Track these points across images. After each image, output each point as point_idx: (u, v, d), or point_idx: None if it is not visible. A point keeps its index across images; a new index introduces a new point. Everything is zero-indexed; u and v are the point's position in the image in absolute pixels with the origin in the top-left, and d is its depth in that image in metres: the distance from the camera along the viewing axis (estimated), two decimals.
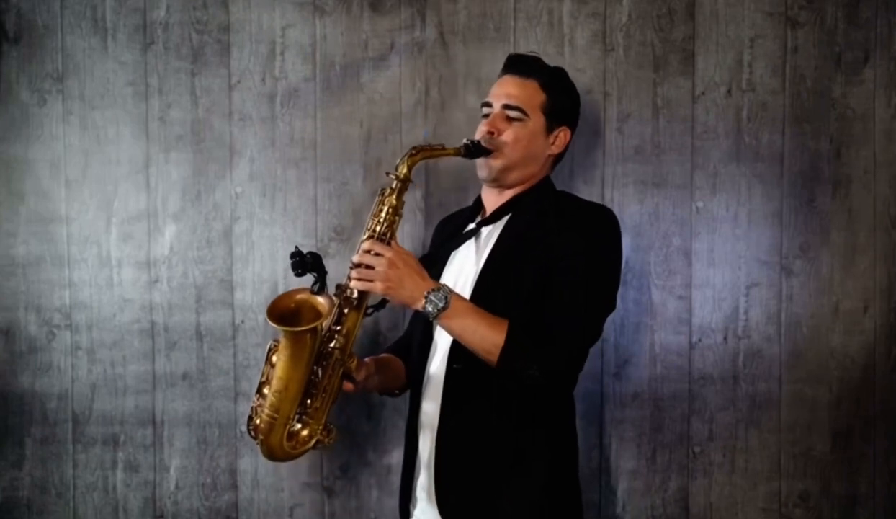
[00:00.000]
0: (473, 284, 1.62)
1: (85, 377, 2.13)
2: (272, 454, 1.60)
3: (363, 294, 1.56)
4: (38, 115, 2.11)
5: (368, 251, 1.50)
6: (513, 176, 1.67)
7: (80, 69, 2.11)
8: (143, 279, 2.12)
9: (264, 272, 2.11)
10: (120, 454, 2.14)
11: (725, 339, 2.05)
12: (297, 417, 1.58)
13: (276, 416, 1.56)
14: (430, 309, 1.48)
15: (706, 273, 2.05)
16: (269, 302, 1.56)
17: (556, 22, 2.05)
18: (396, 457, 2.09)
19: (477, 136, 1.65)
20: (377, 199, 1.58)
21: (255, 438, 1.62)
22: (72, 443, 2.15)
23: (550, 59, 2.03)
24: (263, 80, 2.09)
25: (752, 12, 2.02)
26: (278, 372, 1.56)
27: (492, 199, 1.71)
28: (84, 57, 2.11)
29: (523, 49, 2.03)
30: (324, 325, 1.53)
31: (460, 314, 1.50)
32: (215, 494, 2.14)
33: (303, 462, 2.11)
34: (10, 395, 2.14)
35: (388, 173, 1.59)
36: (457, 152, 1.61)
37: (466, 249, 1.71)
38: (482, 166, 1.66)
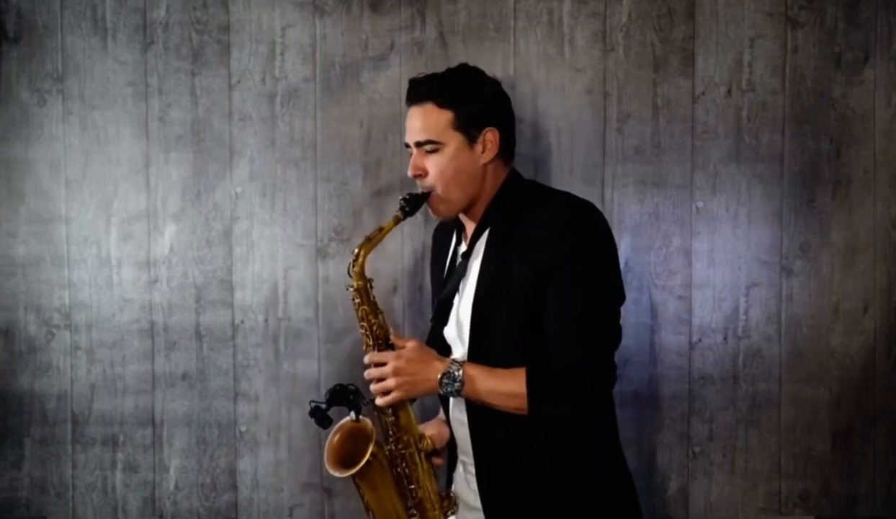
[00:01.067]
0: (469, 328, 1.59)
1: (84, 377, 2.13)
2: None
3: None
4: (38, 115, 2.11)
5: (373, 364, 1.55)
6: (458, 205, 1.60)
7: (80, 69, 2.11)
8: (143, 279, 2.12)
9: (264, 272, 2.11)
10: (119, 454, 2.14)
11: (725, 339, 2.05)
12: (410, 513, 1.63)
13: None
14: (449, 391, 1.52)
15: (706, 273, 2.05)
16: (325, 456, 1.61)
17: (556, 22, 2.05)
18: None
19: (410, 173, 1.61)
20: (354, 306, 1.60)
21: None
22: (71, 443, 2.14)
23: (550, 60, 2.04)
24: (263, 80, 2.09)
25: (752, 12, 2.02)
26: (370, 499, 1.63)
27: (466, 220, 1.67)
28: (84, 57, 2.11)
29: (523, 49, 2.04)
30: (376, 447, 1.58)
31: (478, 385, 1.50)
32: (215, 494, 2.14)
33: (303, 462, 2.12)
34: (10, 395, 2.14)
35: (348, 288, 1.59)
36: (397, 220, 1.58)
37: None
38: (430, 211, 1.63)
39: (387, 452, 1.62)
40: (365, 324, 1.58)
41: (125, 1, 2.10)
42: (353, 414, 1.60)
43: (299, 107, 2.09)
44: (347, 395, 1.60)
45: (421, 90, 1.59)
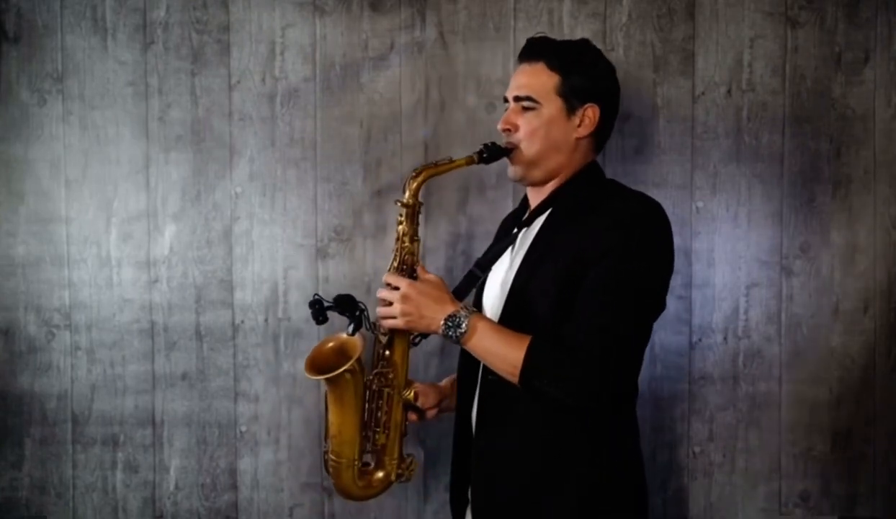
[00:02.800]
0: (509, 287, 1.54)
1: (84, 377, 2.13)
2: (348, 494, 1.64)
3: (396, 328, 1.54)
4: (38, 115, 2.11)
5: (388, 285, 1.50)
6: (539, 171, 1.56)
7: (80, 69, 2.11)
8: (143, 279, 2.12)
9: (264, 272, 2.11)
10: (119, 455, 2.14)
11: (725, 339, 2.05)
12: (362, 457, 1.60)
13: (339, 460, 1.59)
14: (449, 335, 1.45)
15: (706, 273, 2.05)
16: (309, 354, 1.59)
17: (556, 22, 2.05)
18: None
19: (500, 126, 1.58)
20: (396, 223, 1.57)
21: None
22: (71, 443, 2.15)
23: None
24: (263, 80, 2.09)
25: (752, 12, 2.02)
26: (331, 418, 1.58)
27: (534, 195, 1.62)
28: (84, 57, 2.11)
29: None
30: (357, 365, 1.54)
31: (479, 336, 1.44)
32: (215, 494, 2.14)
33: (303, 462, 2.12)
34: (10, 395, 2.14)
35: (396, 202, 1.57)
36: (470, 161, 1.53)
37: (506, 255, 1.62)
38: (508, 167, 1.59)
39: (366, 381, 1.57)
40: (397, 245, 1.55)
41: (125, 1, 2.10)
42: (350, 328, 1.55)
43: (299, 107, 2.09)
44: (354, 308, 1.54)
45: (535, 49, 1.57)
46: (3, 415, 2.14)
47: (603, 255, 1.42)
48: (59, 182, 2.12)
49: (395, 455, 1.61)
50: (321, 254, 2.11)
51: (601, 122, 1.57)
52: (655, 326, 2.01)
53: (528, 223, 1.59)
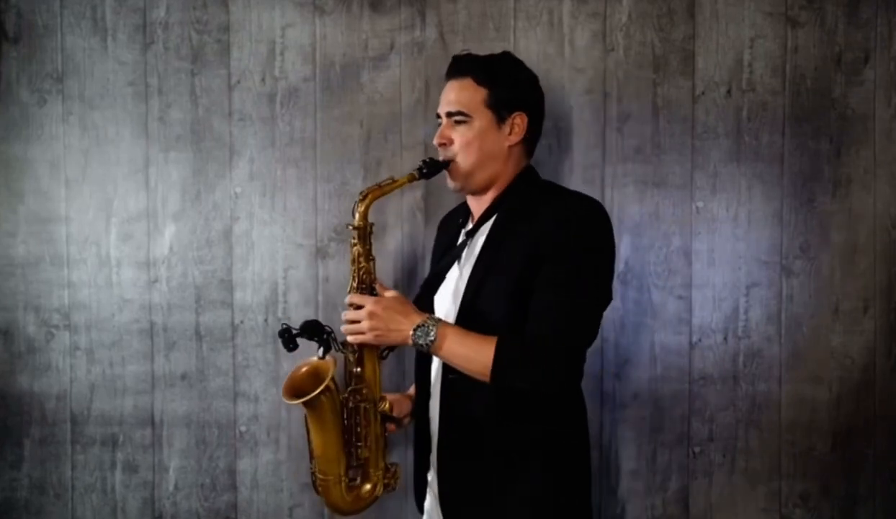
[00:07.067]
0: (461, 298, 1.60)
1: (84, 377, 2.13)
2: (339, 510, 1.68)
3: (365, 344, 1.60)
4: (38, 115, 2.11)
5: (351, 305, 1.57)
6: (477, 180, 1.64)
7: (80, 69, 2.11)
8: (143, 279, 2.12)
9: (264, 272, 2.11)
10: (119, 455, 2.14)
11: (725, 339, 2.05)
12: (350, 471, 1.65)
13: (326, 477, 1.64)
14: (419, 344, 1.52)
15: (706, 273, 2.05)
16: (285, 379, 1.64)
17: (556, 22, 2.05)
18: (395, 456, 2.09)
19: (435, 141, 1.66)
20: (350, 246, 1.63)
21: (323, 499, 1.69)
22: (70, 443, 2.14)
23: (550, 60, 2.04)
24: (263, 80, 2.09)
25: (752, 12, 2.02)
26: (313, 438, 1.64)
27: (475, 205, 1.70)
28: (84, 57, 2.11)
29: (523, 49, 2.04)
30: (332, 385, 1.59)
31: (448, 343, 1.51)
32: (214, 494, 2.13)
33: (302, 462, 2.11)
34: (9, 395, 2.14)
35: (347, 226, 1.61)
36: (412, 178, 1.62)
37: (454, 266, 1.70)
38: (448, 180, 1.66)
39: (342, 399, 1.62)
40: (354, 267, 1.61)
41: (125, 1, 2.10)
42: (320, 351, 1.62)
43: (299, 107, 2.09)
44: (321, 332, 1.62)
45: (462, 65, 1.65)
46: (2, 415, 2.14)
47: (552, 254, 1.50)
48: (58, 182, 2.12)
49: (380, 466, 1.67)
50: (321, 254, 2.10)
51: (529, 127, 1.66)
52: (655, 325, 2.04)
53: (474, 234, 1.66)
